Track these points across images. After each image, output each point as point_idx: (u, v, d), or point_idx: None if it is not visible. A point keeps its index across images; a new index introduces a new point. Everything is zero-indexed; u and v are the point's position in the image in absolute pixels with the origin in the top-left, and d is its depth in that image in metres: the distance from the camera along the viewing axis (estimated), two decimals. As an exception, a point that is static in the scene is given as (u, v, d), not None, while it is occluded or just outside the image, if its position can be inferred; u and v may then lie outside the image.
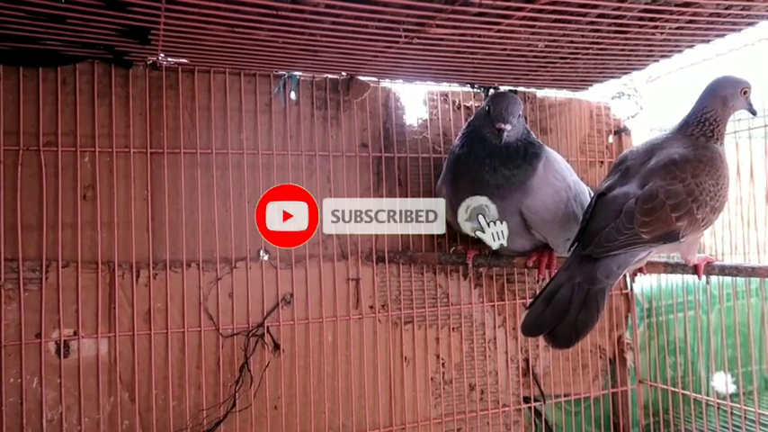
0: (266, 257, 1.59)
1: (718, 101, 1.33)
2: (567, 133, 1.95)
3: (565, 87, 1.89)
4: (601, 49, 1.43)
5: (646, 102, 2.00)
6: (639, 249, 1.21)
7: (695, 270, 1.39)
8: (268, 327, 1.57)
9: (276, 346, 1.58)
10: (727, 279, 1.84)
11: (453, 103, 1.83)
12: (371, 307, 1.69)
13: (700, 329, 1.86)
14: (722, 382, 1.85)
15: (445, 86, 1.83)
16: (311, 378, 1.60)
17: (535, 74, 1.66)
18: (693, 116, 1.35)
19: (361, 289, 1.68)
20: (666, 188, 1.21)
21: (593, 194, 1.45)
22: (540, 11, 1.16)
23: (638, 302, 2.03)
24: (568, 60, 1.52)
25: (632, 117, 2.04)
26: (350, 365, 1.65)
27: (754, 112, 1.41)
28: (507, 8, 1.14)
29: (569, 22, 1.23)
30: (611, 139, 2.04)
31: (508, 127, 1.39)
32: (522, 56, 1.47)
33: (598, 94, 2.00)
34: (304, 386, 1.59)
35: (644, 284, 2.05)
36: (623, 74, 1.74)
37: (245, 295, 1.55)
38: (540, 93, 1.93)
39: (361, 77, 1.68)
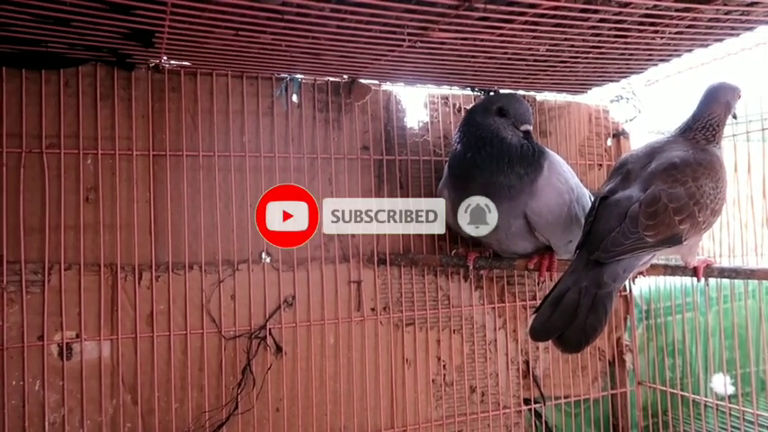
0: (268, 260, 1.59)
1: (722, 106, 1.37)
2: (566, 136, 1.97)
3: (564, 91, 1.91)
4: (601, 53, 1.44)
5: (644, 105, 2.02)
6: (645, 253, 1.22)
7: (695, 272, 1.40)
8: (270, 329, 1.57)
9: (278, 349, 1.58)
10: (725, 281, 1.86)
11: (454, 106, 1.84)
12: (373, 309, 1.70)
13: (698, 331, 1.87)
14: (720, 384, 1.86)
15: (446, 89, 1.83)
16: (313, 380, 1.60)
17: (535, 77, 1.67)
18: (698, 121, 1.37)
19: (362, 291, 1.68)
20: (669, 191, 1.22)
21: (593, 198, 1.46)
22: (543, 15, 1.17)
23: (637, 304, 2.04)
24: (568, 64, 1.53)
25: (631, 120, 2.05)
26: (351, 367, 1.65)
27: (735, 116, 1.44)
28: (510, 13, 1.15)
29: (571, 26, 1.24)
30: (609, 142, 2.06)
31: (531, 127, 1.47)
32: (523, 59, 1.48)
33: (597, 97, 2.01)
34: (306, 388, 1.60)
35: (642, 286, 2.06)
36: (622, 77, 1.75)
37: (247, 297, 1.56)
38: (540, 96, 1.94)
39: (363, 80, 1.69)
